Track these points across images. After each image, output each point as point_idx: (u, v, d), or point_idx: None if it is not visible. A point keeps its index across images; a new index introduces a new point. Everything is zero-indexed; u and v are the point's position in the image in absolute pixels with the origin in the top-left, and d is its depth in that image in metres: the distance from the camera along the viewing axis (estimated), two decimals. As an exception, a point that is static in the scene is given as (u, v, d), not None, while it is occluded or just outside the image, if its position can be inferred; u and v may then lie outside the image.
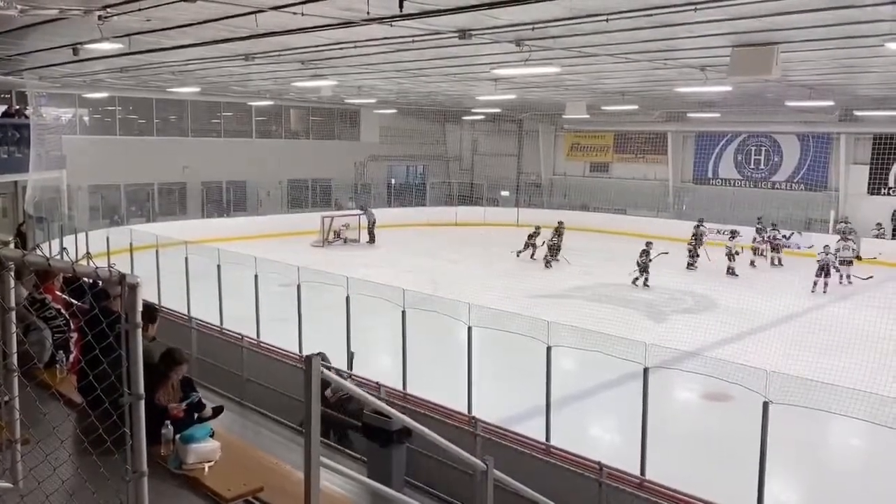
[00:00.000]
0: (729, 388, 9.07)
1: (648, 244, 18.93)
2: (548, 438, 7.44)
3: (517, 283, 18.27)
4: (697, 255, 21.24)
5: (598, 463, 6.42)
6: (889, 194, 24.57)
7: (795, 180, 26.88)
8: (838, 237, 20.52)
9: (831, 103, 20.91)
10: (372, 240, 25.81)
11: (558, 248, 21.53)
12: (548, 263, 21.24)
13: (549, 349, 7.53)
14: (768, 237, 22.37)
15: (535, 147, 34.34)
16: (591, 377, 10.77)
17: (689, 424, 10.20)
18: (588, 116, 25.35)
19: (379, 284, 10.27)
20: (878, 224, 24.00)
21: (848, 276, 19.10)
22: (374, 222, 26.06)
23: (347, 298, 9.79)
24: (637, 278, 18.50)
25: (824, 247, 18.99)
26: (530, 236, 22.52)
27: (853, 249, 19.59)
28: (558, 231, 21.84)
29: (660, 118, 28.65)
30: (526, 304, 15.24)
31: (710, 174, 29.21)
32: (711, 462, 8.38)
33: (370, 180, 32.29)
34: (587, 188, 31.69)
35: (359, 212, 26.63)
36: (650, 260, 18.49)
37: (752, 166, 28.13)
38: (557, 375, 7.83)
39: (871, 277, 18.99)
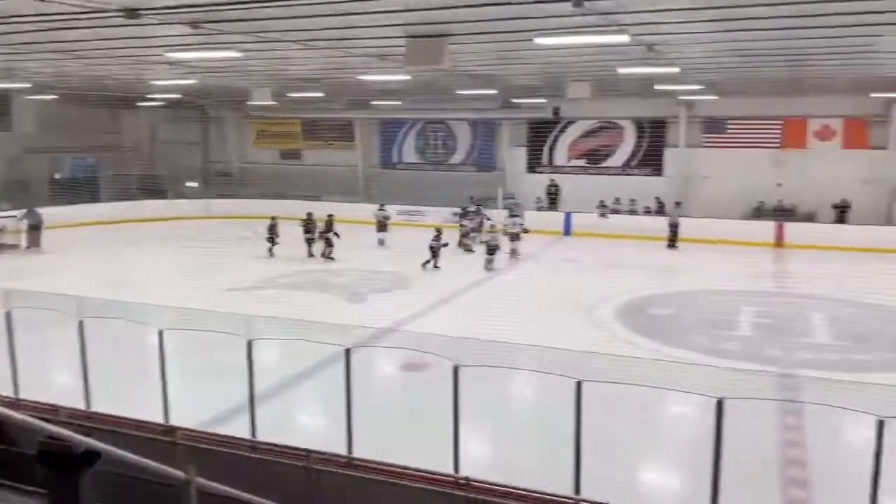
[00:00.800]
0: (425, 357, 9.73)
1: (439, 230, 19.52)
2: (253, 434, 7.27)
3: (211, 278, 17.51)
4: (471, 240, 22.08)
5: (306, 450, 6.44)
6: (543, 172, 28.22)
7: (468, 162, 29.56)
8: (507, 213, 22.95)
9: (494, 92, 23.27)
10: (35, 244, 22.66)
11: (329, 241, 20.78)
12: (328, 256, 20.52)
13: (249, 343, 7.34)
14: (480, 217, 23.74)
15: (221, 135, 32.98)
16: (296, 365, 10.75)
17: (393, 397, 10.70)
18: (275, 103, 25.02)
19: (49, 294, 9.10)
20: (539, 198, 27.48)
21: (515, 251, 21.10)
22: (38, 224, 22.89)
23: (8, 315, 8.51)
24: (428, 261, 19.02)
25: (491, 226, 21.01)
26: (270, 229, 21.19)
27: (520, 224, 21.76)
28: (328, 223, 20.96)
29: (346, 106, 29.36)
30: (223, 299, 14.69)
31: (395, 159, 30.79)
32: (414, 430, 8.88)
33: (28, 176, 28.29)
34: (281, 176, 31.37)
35: (19, 212, 23.17)
36: (441, 245, 19.05)
37: (431, 151, 30.25)
38: (261, 369, 7.67)
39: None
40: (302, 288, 17.24)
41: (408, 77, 17.81)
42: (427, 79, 19.45)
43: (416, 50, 11.19)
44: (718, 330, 13.98)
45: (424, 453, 7.50)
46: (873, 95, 22.08)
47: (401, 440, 8.40)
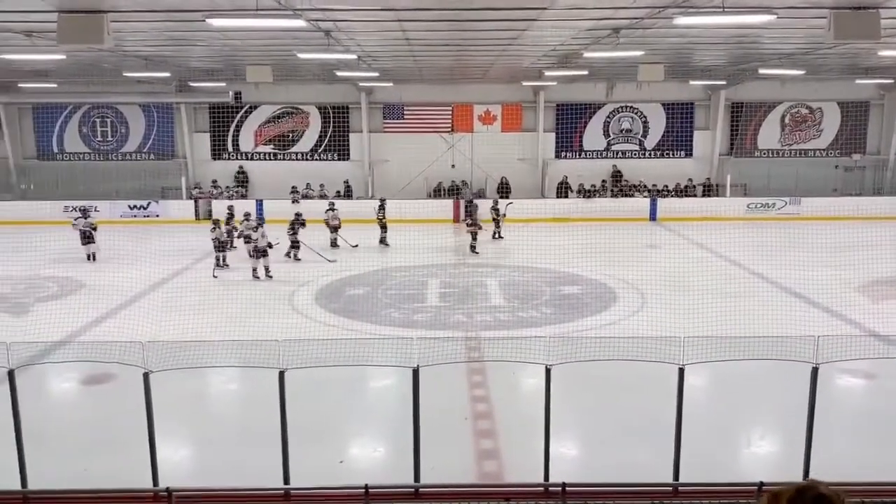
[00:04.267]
0: (109, 367, 8.91)
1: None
2: None
3: None
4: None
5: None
6: (229, 158, 27.25)
7: (145, 150, 27.33)
8: (251, 223, 17.82)
9: (167, 74, 21.75)
10: None
11: None
12: None
13: None
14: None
15: None
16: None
17: (76, 415, 9.56)
18: None
19: None
20: (228, 187, 26.42)
21: (263, 270, 16.79)
22: None
23: None
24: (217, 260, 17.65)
25: (219, 228, 18.05)
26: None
27: (265, 234, 16.91)
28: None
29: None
30: None
31: (55, 149, 27.30)
32: (108, 445, 8.06)
33: None
34: None
35: None
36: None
37: (99, 138, 27.36)
38: None
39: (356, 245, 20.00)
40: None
41: (63, 57, 15.86)
42: (88, 59, 17.53)
43: (71, 27, 9.96)
44: (410, 303, 14.87)
45: (123, 466, 6.95)
46: (525, 84, 25.14)
47: (95, 458, 7.63)
